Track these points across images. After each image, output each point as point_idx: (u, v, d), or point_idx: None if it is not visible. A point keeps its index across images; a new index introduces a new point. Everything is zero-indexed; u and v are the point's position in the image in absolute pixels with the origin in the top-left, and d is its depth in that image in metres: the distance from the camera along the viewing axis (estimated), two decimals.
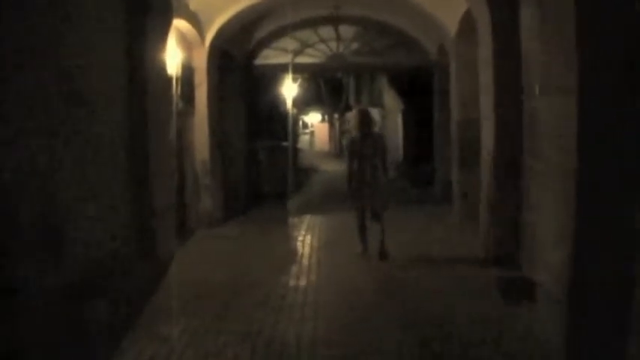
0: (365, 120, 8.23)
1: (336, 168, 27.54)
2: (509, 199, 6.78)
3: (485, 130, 7.62)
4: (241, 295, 6.49)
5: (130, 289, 6.28)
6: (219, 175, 11.10)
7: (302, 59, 13.93)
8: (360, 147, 8.09)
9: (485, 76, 7.51)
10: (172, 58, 9.00)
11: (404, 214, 11.62)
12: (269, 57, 13.77)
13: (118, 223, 5.99)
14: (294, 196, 15.35)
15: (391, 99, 31.60)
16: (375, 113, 33.70)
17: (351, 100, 36.15)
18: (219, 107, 11.26)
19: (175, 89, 9.25)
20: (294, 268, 7.82)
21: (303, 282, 7.10)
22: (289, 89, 21.33)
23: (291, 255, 8.66)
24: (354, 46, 14.01)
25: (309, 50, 13.85)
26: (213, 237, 9.97)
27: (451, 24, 10.73)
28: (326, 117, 41.28)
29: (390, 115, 31.84)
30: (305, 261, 8.27)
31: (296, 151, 18.03)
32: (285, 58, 13.76)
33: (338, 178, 23.03)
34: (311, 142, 42.05)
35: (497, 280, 6.25)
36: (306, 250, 9.04)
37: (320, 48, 13.84)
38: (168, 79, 8.46)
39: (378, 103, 33.33)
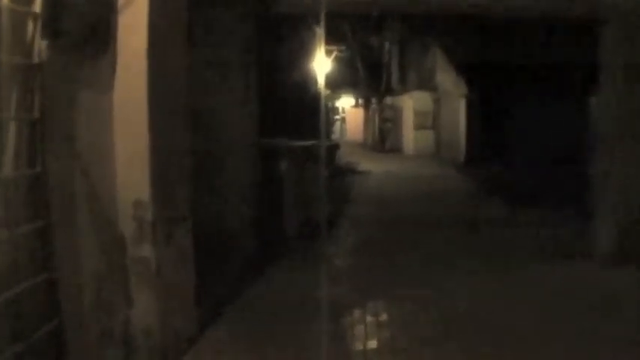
0: None
1: (382, 167, 20.89)
2: None
3: None
4: None
5: None
6: (182, 227, 4.63)
7: None
8: None
9: None
10: None
11: None
12: None
13: None
14: (331, 234, 8.93)
15: (448, 80, 24.86)
16: (424, 98, 27.11)
17: (394, 81, 29.48)
18: (194, 73, 4.88)
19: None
20: None
21: None
22: (321, 63, 15.28)
23: None
24: None
25: None
26: None
27: None
28: (360, 101, 34.63)
29: (446, 101, 25.13)
30: None
31: (332, 150, 11.46)
32: None
33: (394, 186, 16.65)
34: (341, 132, 35.44)
35: None
36: None
37: None
38: None
39: (429, 85, 26.66)
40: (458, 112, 23.12)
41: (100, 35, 3.89)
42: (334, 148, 11.52)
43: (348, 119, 37.67)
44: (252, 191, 7.56)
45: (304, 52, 14.52)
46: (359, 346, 4.89)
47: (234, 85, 7.31)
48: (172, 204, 4.41)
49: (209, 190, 6.99)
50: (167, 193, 4.31)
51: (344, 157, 20.36)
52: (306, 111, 14.00)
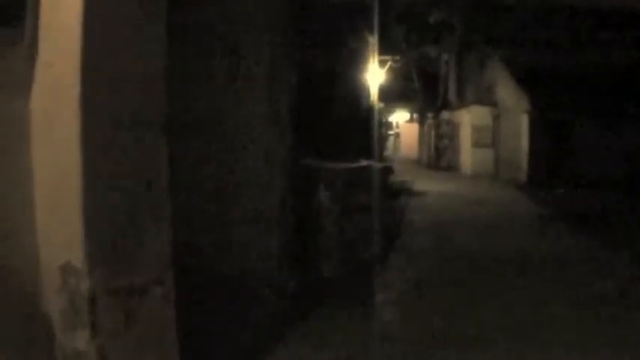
0: None
1: (438, 188, 19.16)
2: None
3: None
4: None
5: None
6: (153, 296, 3.15)
7: None
8: None
9: None
10: None
11: None
12: None
13: None
14: (380, 274, 7.33)
15: (509, 94, 22.95)
16: (483, 114, 25.20)
17: (451, 95, 27.72)
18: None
19: None
20: None
21: None
22: (374, 74, 14.00)
23: None
24: None
25: None
26: None
27: None
28: (415, 115, 32.97)
29: (506, 117, 23.13)
30: None
31: (384, 174, 9.87)
32: None
33: (453, 210, 14.84)
34: (395, 148, 33.80)
35: None
36: None
37: None
38: None
39: (489, 100, 24.75)
40: (519, 130, 21.30)
41: (9, 11, 2.49)
42: (386, 171, 9.90)
43: (402, 134, 36.03)
44: (281, 224, 6.08)
45: (355, 59, 13.08)
46: None
47: (258, 94, 5.85)
48: (132, 264, 2.94)
49: (225, 224, 5.58)
50: (120, 248, 2.84)
51: (398, 175, 18.73)
52: (359, 126, 12.52)
